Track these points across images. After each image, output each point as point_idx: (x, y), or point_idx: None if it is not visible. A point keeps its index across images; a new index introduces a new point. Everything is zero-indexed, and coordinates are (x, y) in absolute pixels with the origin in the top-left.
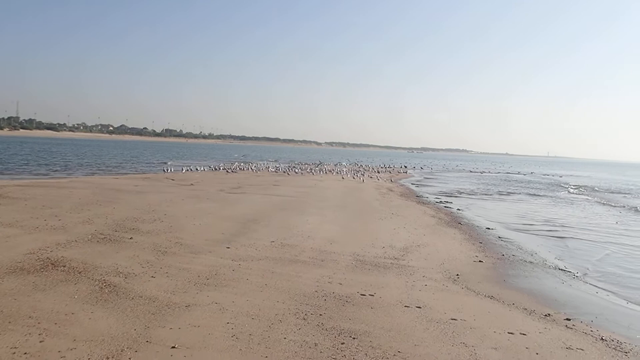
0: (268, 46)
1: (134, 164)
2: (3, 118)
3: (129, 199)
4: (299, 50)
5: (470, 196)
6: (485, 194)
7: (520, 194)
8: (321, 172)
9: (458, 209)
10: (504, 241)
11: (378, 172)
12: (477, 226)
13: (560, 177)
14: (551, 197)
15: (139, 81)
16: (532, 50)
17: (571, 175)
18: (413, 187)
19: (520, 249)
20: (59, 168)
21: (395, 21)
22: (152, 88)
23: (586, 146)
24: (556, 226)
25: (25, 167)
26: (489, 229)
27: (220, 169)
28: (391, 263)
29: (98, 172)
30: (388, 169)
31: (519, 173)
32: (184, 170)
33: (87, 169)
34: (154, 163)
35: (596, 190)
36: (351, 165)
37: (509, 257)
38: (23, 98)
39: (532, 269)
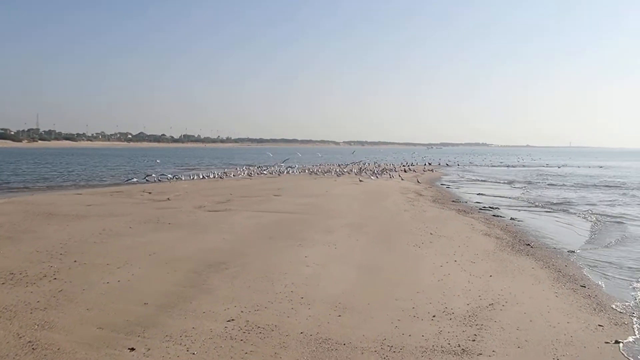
0: (281, 47)
1: (125, 174)
2: (23, 130)
3: (49, 230)
4: (311, 50)
5: (516, 203)
6: (533, 197)
7: (571, 192)
8: (335, 174)
9: (512, 218)
10: (611, 279)
11: (404, 172)
12: (554, 248)
13: (601, 167)
14: (615, 194)
15: (155, 88)
16: (551, 40)
17: (612, 167)
18: (445, 189)
19: None
20: (33, 181)
21: (410, 15)
22: (170, 94)
23: (608, 135)
24: None
25: None
26: (571, 252)
27: (219, 175)
28: None
29: (74, 184)
30: (412, 167)
31: (547, 165)
32: (171, 180)
33: (60, 182)
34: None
35: None
36: (358, 164)
37: None
38: (43, 110)
39: None
